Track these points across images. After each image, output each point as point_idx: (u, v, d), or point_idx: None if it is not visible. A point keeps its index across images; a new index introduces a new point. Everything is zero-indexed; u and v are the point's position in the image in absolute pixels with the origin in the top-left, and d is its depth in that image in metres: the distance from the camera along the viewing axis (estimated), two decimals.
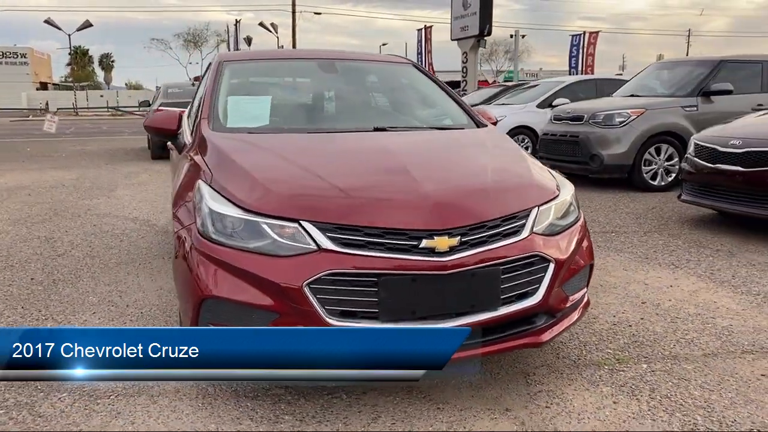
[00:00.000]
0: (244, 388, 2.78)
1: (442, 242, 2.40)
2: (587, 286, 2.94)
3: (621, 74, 23.13)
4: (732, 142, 5.53)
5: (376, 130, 3.39)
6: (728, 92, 8.17)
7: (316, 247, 2.38)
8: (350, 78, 4.02)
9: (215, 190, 2.64)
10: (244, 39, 49.40)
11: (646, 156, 8.13)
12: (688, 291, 4.09)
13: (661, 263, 4.74)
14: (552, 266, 2.61)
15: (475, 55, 19.88)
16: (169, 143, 4.29)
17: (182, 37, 64.17)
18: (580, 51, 27.36)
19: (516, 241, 2.55)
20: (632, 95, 9.00)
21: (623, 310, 3.75)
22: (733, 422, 2.50)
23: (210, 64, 4.44)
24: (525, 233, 2.59)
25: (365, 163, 2.93)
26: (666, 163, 8.20)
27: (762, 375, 2.92)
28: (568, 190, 2.95)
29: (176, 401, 2.67)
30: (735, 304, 3.85)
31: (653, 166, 8.18)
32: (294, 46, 44.02)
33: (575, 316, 2.82)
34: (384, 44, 71.48)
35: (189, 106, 4.60)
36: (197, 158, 3.04)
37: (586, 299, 2.92)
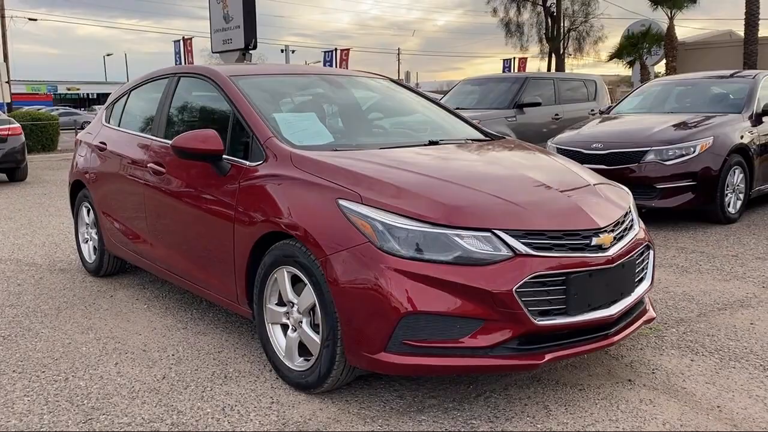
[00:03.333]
0: None
1: (607, 239, 2.73)
2: None
3: None
4: (594, 144, 6.63)
5: (431, 143, 3.55)
6: (538, 104, 9.58)
7: (512, 254, 2.53)
8: (363, 93, 4.07)
9: (379, 208, 2.61)
10: None
11: None
12: None
13: None
14: (652, 252, 3.10)
15: None
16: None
17: None
18: (335, 66, 28.78)
19: (635, 234, 2.98)
20: (458, 108, 10.00)
21: None
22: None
23: (174, 78, 4.10)
24: (636, 226, 3.04)
25: (493, 174, 3.10)
26: None
27: (751, 323, 3.75)
28: None
29: None
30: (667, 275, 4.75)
31: None
32: (5, 55, 38.72)
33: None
34: (109, 54, 66.43)
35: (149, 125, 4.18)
36: (297, 177, 2.92)
37: None
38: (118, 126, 4.67)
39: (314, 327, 2.86)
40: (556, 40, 36.48)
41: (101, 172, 4.62)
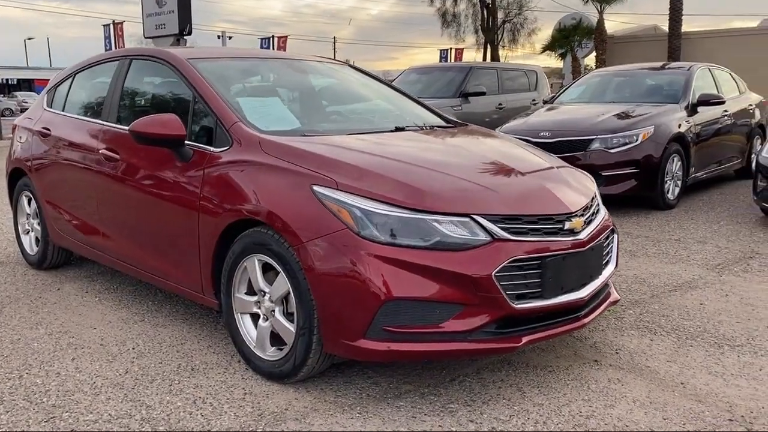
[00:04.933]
0: None
1: (578, 223, 2.78)
2: None
3: None
4: (542, 133, 6.75)
5: (397, 129, 3.52)
6: (482, 94, 9.70)
7: (490, 238, 2.54)
8: (324, 79, 3.99)
9: (356, 194, 2.58)
10: None
11: None
12: None
13: None
14: (616, 236, 3.18)
15: None
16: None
17: None
18: None
19: (602, 217, 3.06)
20: None
21: None
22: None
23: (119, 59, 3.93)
24: (602, 210, 3.11)
25: (464, 159, 3.09)
26: None
27: (701, 303, 3.92)
28: None
29: None
30: None
31: None
32: None
33: None
34: (30, 38, 63.28)
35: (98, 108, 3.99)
36: (267, 162, 2.84)
37: None
38: (63, 110, 4.44)
39: (287, 315, 2.81)
40: (491, 32, 37.03)
41: (45, 159, 4.39)
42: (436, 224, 2.52)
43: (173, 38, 18.70)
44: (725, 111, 7.90)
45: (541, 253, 2.62)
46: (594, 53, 35.13)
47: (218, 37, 25.33)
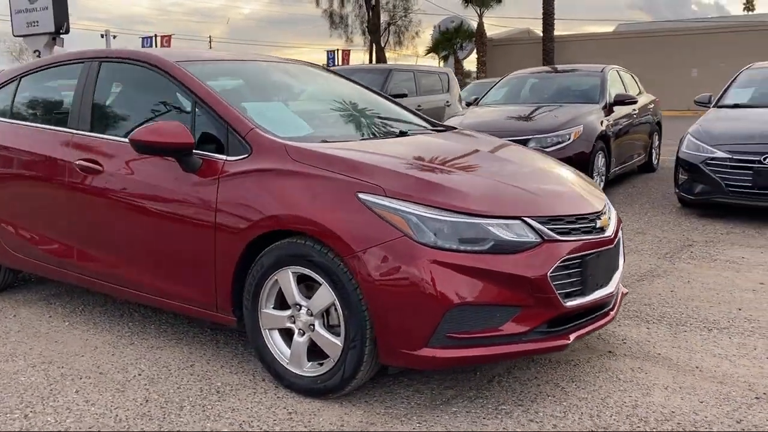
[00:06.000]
0: None
1: (605, 220, 2.90)
2: None
3: None
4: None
5: (401, 134, 3.50)
6: (404, 95, 9.80)
7: (540, 239, 2.59)
8: (313, 82, 3.87)
9: (407, 200, 2.54)
10: None
11: None
12: None
13: None
14: (621, 236, 3.34)
15: (51, 52, 18.23)
16: None
17: None
18: None
19: (615, 215, 3.20)
20: None
21: None
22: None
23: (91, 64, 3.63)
24: (613, 211, 3.25)
25: (489, 164, 3.11)
26: None
27: (671, 290, 4.20)
28: None
29: None
30: None
31: None
32: None
33: None
34: None
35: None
36: (299, 170, 2.74)
37: None
38: (10, 118, 4.02)
39: (329, 329, 2.71)
40: (376, 34, 37.56)
41: None
42: (489, 228, 2.53)
43: (48, 37, 17.45)
44: (634, 110, 8.49)
45: (582, 251, 2.71)
46: (474, 55, 36.61)
47: (102, 36, 23.79)
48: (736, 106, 7.06)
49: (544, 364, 3.09)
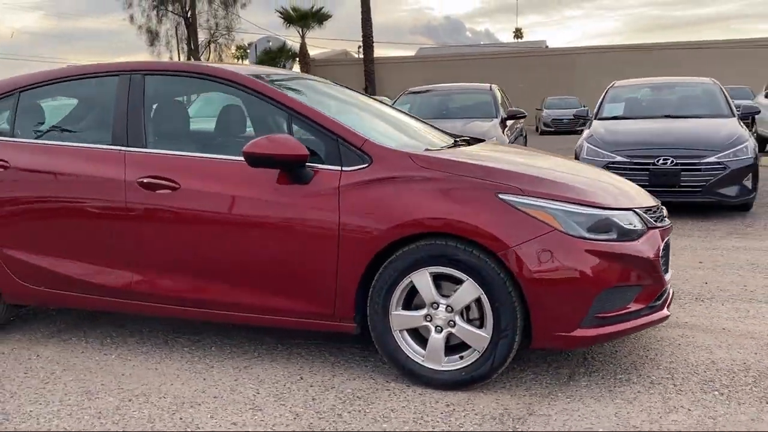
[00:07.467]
0: None
1: (665, 212, 3.41)
2: None
3: None
4: None
5: (456, 144, 3.75)
6: None
7: (646, 227, 3.03)
8: (342, 96, 4.00)
9: (547, 198, 2.84)
10: None
11: None
12: None
13: None
14: None
15: None
16: None
17: None
18: None
19: None
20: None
21: None
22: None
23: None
24: None
25: (563, 166, 3.48)
26: None
27: None
28: None
29: None
30: None
31: None
32: None
33: None
34: None
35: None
36: (431, 176, 2.92)
37: None
38: (19, 138, 3.61)
39: (470, 322, 2.90)
40: (195, 52, 36.60)
41: (6, 197, 3.51)
42: (614, 218, 2.91)
43: None
44: (517, 123, 9.43)
45: (666, 236, 3.19)
46: None
47: None
48: (615, 118, 8.18)
49: (617, 345, 3.50)
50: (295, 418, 2.72)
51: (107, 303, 3.45)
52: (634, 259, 2.89)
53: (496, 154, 3.56)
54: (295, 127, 3.20)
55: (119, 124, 3.39)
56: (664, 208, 3.42)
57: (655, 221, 3.13)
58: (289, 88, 3.49)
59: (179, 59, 37.33)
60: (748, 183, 6.93)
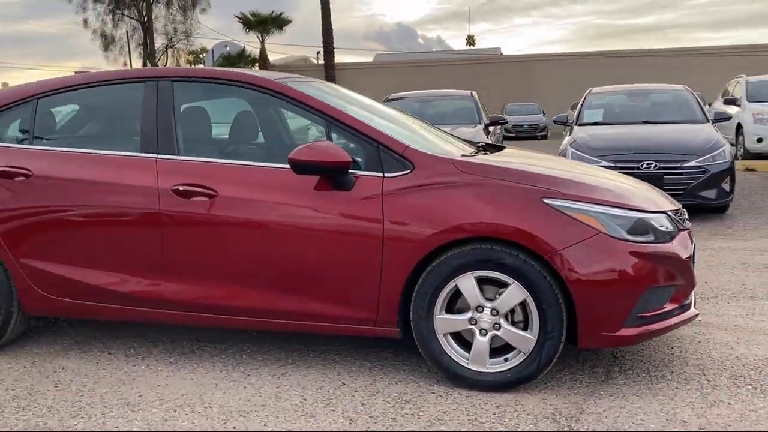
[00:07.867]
0: None
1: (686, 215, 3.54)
2: None
3: None
4: None
5: (479, 150, 3.81)
6: None
7: (677, 229, 3.14)
8: (355, 101, 4.00)
9: (589, 202, 2.92)
10: None
11: None
12: None
13: None
14: None
15: None
16: None
17: None
18: None
19: None
20: None
21: None
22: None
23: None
24: None
25: (591, 171, 3.56)
26: None
27: None
28: None
29: None
30: None
31: None
32: None
33: None
34: None
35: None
36: (474, 182, 2.98)
37: None
38: (39, 145, 3.52)
39: (514, 324, 2.96)
40: (152, 57, 36.00)
41: (26, 206, 3.42)
42: (650, 221, 3.01)
43: None
44: (497, 129, 9.59)
45: (692, 238, 3.32)
46: None
47: None
48: (595, 123, 8.40)
49: (642, 344, 3.60)
50: (350, 423, 2.73)
51: (135, 312, 3.38)
52: (671, 260, 2.99)
53: (527, 159, 3.63)
54: (333, 135, 3.21)
55: (148, 130, 3.34)
56: (685, 211, 3.55)
57: (684, 222, 3.25)
58: (323, 92, 3.50)
59: (130, 65, 36.71)
60: (726, 186, 7.21)
